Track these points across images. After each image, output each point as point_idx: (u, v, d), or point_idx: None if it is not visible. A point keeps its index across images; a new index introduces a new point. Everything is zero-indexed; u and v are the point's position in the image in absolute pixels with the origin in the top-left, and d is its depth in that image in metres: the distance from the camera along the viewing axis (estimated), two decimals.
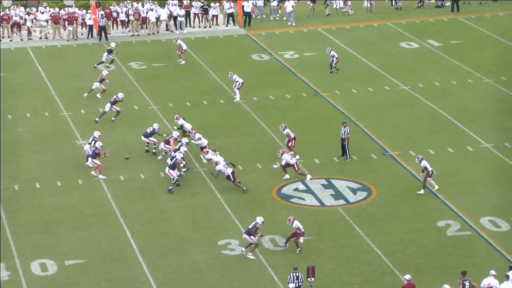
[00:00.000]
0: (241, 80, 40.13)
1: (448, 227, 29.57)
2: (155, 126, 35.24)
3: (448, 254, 27.88)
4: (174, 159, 32.38)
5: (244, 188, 32.19)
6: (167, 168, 32.42)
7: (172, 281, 26.87)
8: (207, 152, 33.13)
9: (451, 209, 30.68)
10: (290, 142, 34.46)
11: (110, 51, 44.94)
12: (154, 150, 35.05)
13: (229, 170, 32.10)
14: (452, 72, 42.76)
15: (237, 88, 40.29)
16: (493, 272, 24.99)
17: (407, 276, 25.16)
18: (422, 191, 31.87)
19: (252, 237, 27.86)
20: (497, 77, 42.09)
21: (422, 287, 25.32)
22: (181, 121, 36.03)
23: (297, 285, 25.11)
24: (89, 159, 33.54)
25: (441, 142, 35.73)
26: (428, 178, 31.89)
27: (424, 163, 31.89)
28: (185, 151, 33.08)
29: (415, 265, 26.95)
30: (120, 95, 38.22)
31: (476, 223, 29.70)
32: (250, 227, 27.94)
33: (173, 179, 32.35)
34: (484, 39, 47.99)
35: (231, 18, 51.29)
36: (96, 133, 34.21)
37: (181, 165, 32.76)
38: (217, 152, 33.04)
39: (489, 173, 33.08)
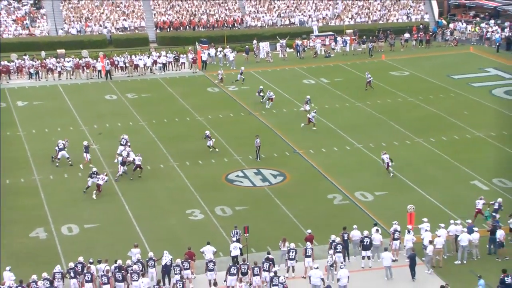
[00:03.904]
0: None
1: (335, 199, 29.79)
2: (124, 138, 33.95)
3: (335, 216, 28.07)
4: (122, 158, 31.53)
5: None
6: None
7: (157, 239, 26.65)
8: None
9: (336, 187, 30.88)
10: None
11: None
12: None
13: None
14: (336, 99, 43.18)
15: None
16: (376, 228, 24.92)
17: (309, 230, 25.43)
18: (391, 175, 31.43)
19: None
20: (364, 102, 42.43)
21: (319, 237, 25.43)
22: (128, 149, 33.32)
23: (236, 238, 24.96)
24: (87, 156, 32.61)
25: (330, 144, 35.81)
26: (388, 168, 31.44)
27: (384, 156, 31.56)
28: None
29: (314, 223, 27.06)
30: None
31: (352, 195, 29.96)
32: None
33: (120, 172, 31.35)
34: (356, 78, 48.08)
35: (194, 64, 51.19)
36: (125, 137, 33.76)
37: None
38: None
39: (360, 163, 33.34)
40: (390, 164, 31.56)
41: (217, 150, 34.81)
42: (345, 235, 24.80)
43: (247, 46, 54.33)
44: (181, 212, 28.85)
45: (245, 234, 24.91)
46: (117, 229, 27.56)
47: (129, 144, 34.01)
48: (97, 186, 30.23)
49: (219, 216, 28.42)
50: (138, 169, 32.10)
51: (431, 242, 24.03)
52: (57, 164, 33.37)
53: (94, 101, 44.00)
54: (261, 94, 42.95)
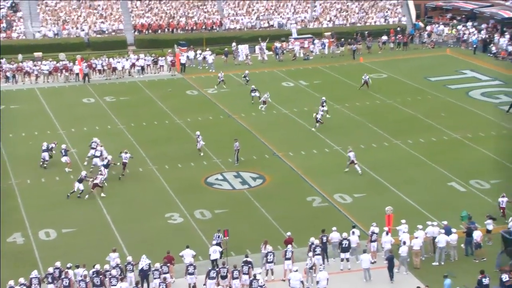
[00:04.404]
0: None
1: (314, 201, 29.82)
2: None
3: (314, 218, 28.09)
4: (80, 176, 30.34)
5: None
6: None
7: (136, 243, 26.48)
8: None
9: (315, 189, 30.93)
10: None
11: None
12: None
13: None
14: (315, 102, 43.06)
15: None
16: (355, 230, 25.04)
17: (288, 233, 25.47)
18: (346, 169, 32.13)
19: None
20: (343, 104, 42.54)
21: (298, 240, 25.43)
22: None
23: (218, 241, 25.00)
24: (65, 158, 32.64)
25: (310, 146, 35.84)
26: (353, 165, 31.80)
27: (350, 154, 31.95)
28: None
29: (294, 226, 26.90)
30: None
31: (331, 197, 30.02)
32: None
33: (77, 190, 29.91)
34: (335, 80, 48.39)
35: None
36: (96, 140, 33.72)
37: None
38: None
39: (339, 166, 33.30)
40: (355, 161, 31.85)
41: (201, 154, 34.62)
42: (324, 238, 24.86)
43: (226, 49, 54.33)
44: (160, 215, 28.70)
45: (224, 238, 24.86)
46: (95, 233, 27.34)
47: (101, 144, 33.78)
48: (93, 185, 30.11)
49: (199, 220, 28.32)
50: (123, 168, 32.09)
51: (404, 243, 24.19)
52: (45, 166, 33.15)
53: (71, 105, 43.65)
54: (256, 94, 42.95)
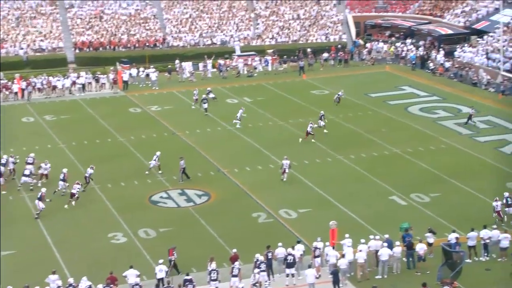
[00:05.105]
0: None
1: (259, 217, 29.89)
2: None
3: (259, 234, 28.08)
4: (40, 193, 29.96)
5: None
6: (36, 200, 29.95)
7: (78, 264, 25.96)
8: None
9: (260, 205, 30.99)
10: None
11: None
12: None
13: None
14: (260, 118, 43.34)
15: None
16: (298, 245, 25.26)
17: (234, 250, 25.42)
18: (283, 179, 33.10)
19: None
20: (287, 120, 42.87)
21: (244, 256, 25.35)
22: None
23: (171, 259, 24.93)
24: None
25: (255, 162, 35.91)
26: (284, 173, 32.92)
27: (284, 162, 32.87)
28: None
29: (239, 242, 26.95)
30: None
31: (276, 213, 30.15)
32: None
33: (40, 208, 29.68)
34: (279, 96, 48.68)
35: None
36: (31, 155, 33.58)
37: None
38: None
39: (283, 181, 33.45)
40: (287, 170, 32.50)
41: (160, 172, 34.36)
42: (269, 254, 24.91)
43: (169, 66, 54.13)
44: (103, 235, 28.22)
45: (169, 257, 24.66)
46: (36, 255, 26.65)
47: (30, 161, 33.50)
48: (71, 194, 30.33)
49: (143, 239, 27.96)
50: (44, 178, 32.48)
51: (344, 255, 24.47)
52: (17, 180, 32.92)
53: (10, 124, 42.50)
54: (205, 105, 43.51)
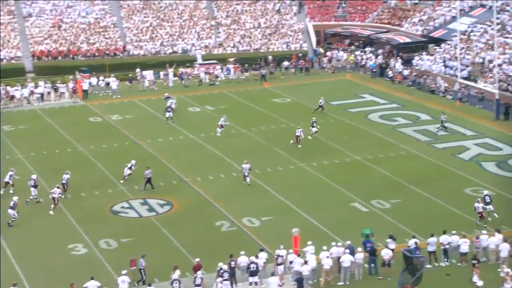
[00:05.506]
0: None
1: (222, 226, 29.83)
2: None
3: (223, 243, 28.01)
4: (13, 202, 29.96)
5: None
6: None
7: (39, 276, 25.52)
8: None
9: (223, 214, 30.92)
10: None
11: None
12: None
13: None
14: (225, 127, 43.25)
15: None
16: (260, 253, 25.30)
17: (197, 259, 25.31)
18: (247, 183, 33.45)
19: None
20: (249, 128, 42.77)
21: (207, 265, 25.26)
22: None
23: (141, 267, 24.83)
24: None
25: (217, 171, 35.85)
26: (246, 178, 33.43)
27: (245, 166, 33.15)
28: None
29: (202, 252, 26.82)
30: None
31: (239, 221, 30.10)
32: None
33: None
34: (241, 105, 48.78)
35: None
36: None
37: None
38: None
39: (246, 189, 33.61)
40: (246, 174, 32.90)
41: (122, 181, 34.02)
42: (232, 262, 24.86)
43: (130, 75, 53.75)
44: (63, 247, 27.78)
45: (131, 268, 24.40)
46: None
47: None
48: (53, 199, 30.47)
49: (104, 250, 27.62)
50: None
51: (306, 262, 24.61)
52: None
53: None
54: (170, 114, 43.63)
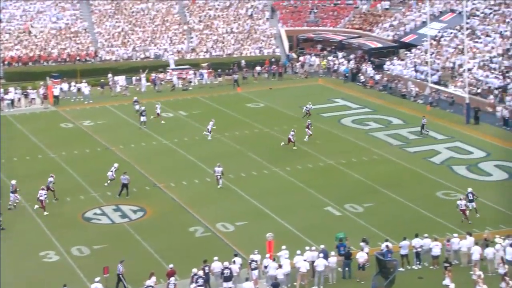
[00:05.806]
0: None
1: (196, 231, 29.71)
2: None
3: (197, 249, 27.84)
4: None
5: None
6: None
7: (9, 285, 25.12)
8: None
9: (197, 219, 30.81)
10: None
11: None
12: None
13: None
14: (196, 132, 43.22)
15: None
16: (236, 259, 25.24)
17: (170, 265, 25.19)
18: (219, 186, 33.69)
19: None
20: (223, 133, 42.71)
21: (181, 271, 25.15)
22: None
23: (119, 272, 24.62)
24: None
25: (191, 176, 35.77)
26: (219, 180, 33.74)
27: (217, 169, 33.51)
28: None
29: (176, 258, 26.72)
30: None
31: (213, 226, 30.02)
32: None
33: None
34: (214, 110, 48.66)
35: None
36: None
37: None
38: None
39: (220, 194, 33.50)
40: (219, 177, 33.22)
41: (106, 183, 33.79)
42: (206, 268, 24.77)
43: (102, 80, 53.36)
44: (34, 254, 27.41)
45: (104, 275, 24.16)
46: None
47: None
48: (40, 201, 30.70)
49: (76, 257, 27.33)
50: None
51: (280, 266, 24.65)
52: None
53: None
54: (144, 118, 43.54)
